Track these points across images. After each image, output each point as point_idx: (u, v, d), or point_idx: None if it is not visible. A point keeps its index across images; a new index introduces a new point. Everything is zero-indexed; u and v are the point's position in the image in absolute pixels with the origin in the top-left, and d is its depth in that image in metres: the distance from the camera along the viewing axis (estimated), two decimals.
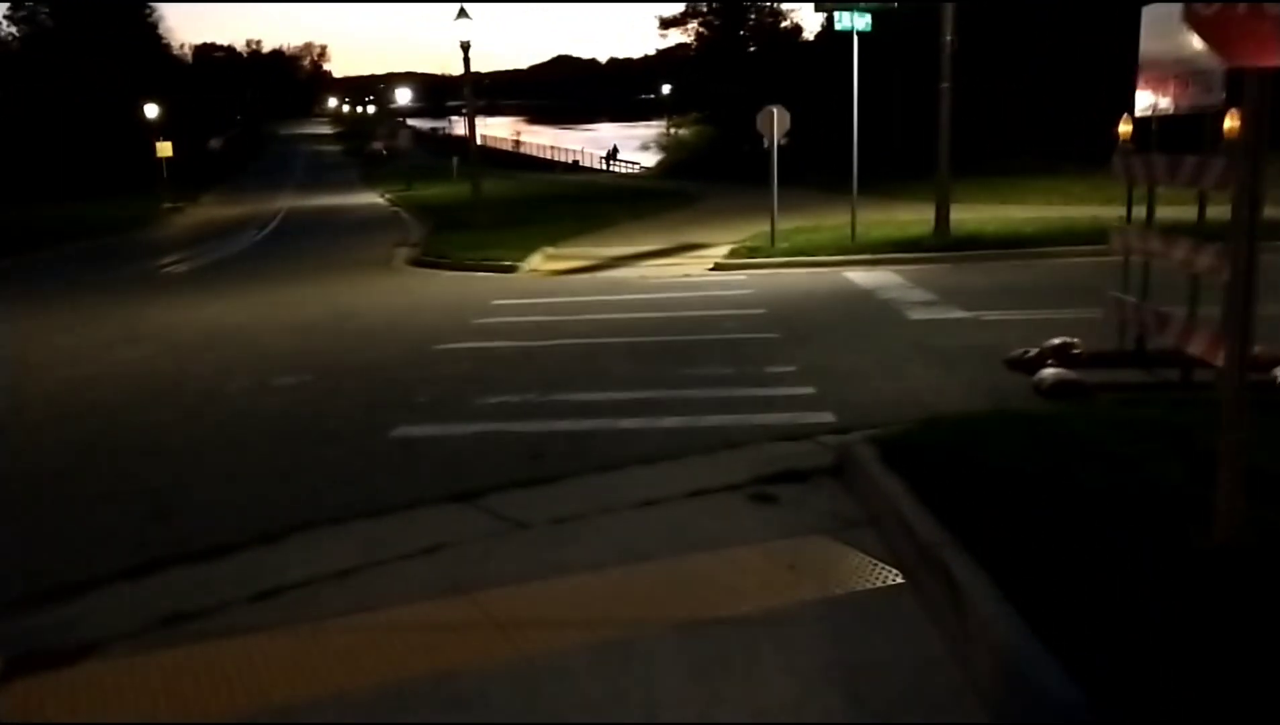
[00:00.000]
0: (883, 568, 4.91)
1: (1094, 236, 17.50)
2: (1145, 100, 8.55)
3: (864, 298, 13.93)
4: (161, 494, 6.73)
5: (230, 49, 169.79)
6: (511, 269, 19.02)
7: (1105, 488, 5.09)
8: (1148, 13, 8.45)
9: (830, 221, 22.40)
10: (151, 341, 13.10)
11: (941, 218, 18.24)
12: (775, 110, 18.38)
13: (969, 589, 4.19)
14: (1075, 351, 9.06)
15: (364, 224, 34.52)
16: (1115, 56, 33.39)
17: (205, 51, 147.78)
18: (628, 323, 12.67)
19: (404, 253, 23.34)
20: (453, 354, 11.18)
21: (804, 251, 18.19)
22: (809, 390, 8.61)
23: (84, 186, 56.16)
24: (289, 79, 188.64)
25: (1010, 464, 5.62)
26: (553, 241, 22.53)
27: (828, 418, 7.67)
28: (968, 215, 19.13)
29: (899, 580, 4.77)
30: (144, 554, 5.42)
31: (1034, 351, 9.19)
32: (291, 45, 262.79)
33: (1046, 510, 4.88)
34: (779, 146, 18.67)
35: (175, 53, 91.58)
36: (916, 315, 12.30)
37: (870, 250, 17.79)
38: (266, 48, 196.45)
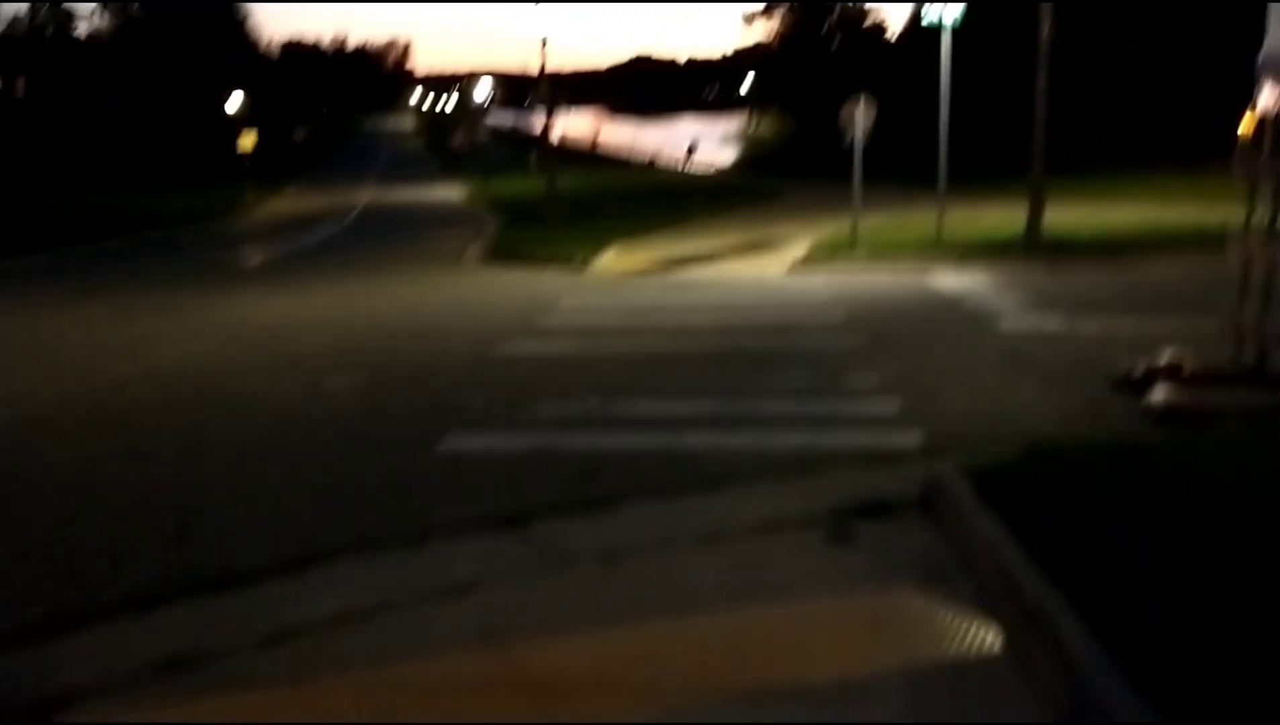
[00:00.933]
0: (980, 628, 4.23)
1: (1198, 242, 16.49)
2: (1270, 98, 7.74)
3: (950, 303, 13.12)
4: (187, 511, 6.26)
5: (316, 45, 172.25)
6: (582, 266, 18.50)
7: (1245, 541, 4.35)
8: (1275, 9, 7.69)
9: (914, 221, 21.49)
10: (210, 337, 12.80)
11: (1034, 219, 17.28)
12: (858, 102, 17.58)
13: (1086, 667, 3.52)
14: (1188, 370, 8.23)
15: (439, 218, 34.32)
16: (1218, 53, 31.88)
17: (292, 47, 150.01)
18: (698, 326, 12.05)
19: (476, 248, 22.96)
20: (513, 357, 10.66)
21: (886, 252, 17.37)
22: (893, 407, 7.91)
23: (169, 178, 57.12)
24: (374, 74, 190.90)
25: (1126, 507, 4.88)
26: (626, 238, 21.95)
27: (914, 440, 6.96)
28: (1061, 217, 18.13)
29: (999, 647, 4.09)
30: (156, 582, 4.94)
31: (1142, 370, 8.37)
32: (376, 41, 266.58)
33: (1177, 570, 4.16)
34: (862, 143, 17.89)
35: (262, 49, 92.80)
36: (1008, 324, 11.48)
37: (957, 252, 16.91)
38: (351, 44, 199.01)
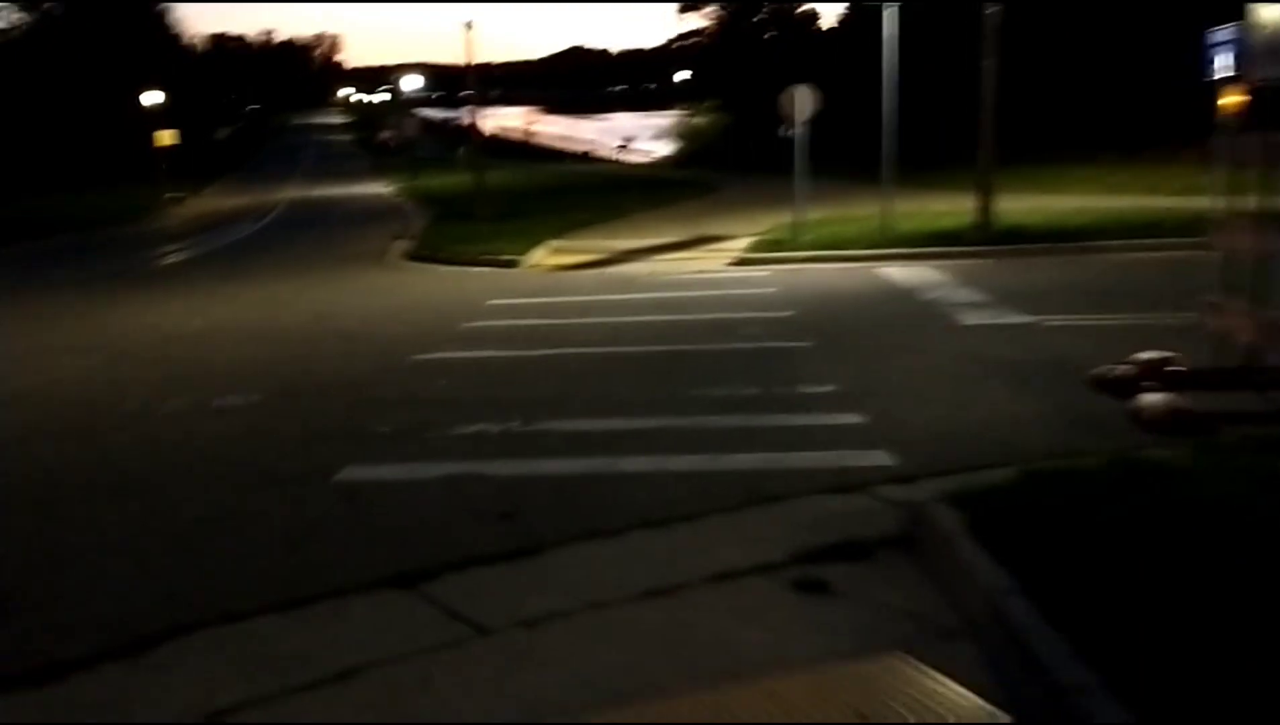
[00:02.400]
0: (993, 715, 3.36)
1: (1148, 230, 15.95)
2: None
3: (904, 298, 12.34)
4: (17, 574, 5.18)
5: (242, 39, 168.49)
6: (511, 264, 17.48)
7: None
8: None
9: (858, 212, 20.76)
10: (101, 350, 11.59)
11: (984, 208, 16.59)
12: (799, 90, 16.78)
13: None
14: (1174, 368, 7.47)
15: (365, 215, 33.03)
16: (1154, 43, 31.63)
17: (218, 42, 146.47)
18: (635, 328, 11.13)
19: (401, 246, 21.82)
20: (432, 366, 9.65)
21: (832, 245, 16.58)
22: (855, 418, 7.03)
23: (86, 178, 54.90)
24: (302, 69, 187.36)
25: (1147, 548, 4.06)
26: (559, 234, 20.97)
27: (884, 459, 6.08)
28: (1007, 206, 17.45)
29: None
30: None
31: (1124, 369, 7.60)
32: (304, 36, 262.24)
33: (1228, 636, 3.33)
34: (804, 132, 17.07)
35: (186, 43, 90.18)
36: (969, 319, 10.71)
37: (905, 243, 16.17)
38: (279, 38, 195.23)
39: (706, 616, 4.11)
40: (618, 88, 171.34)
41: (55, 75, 61.26)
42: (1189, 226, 15.96)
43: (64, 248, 28.30)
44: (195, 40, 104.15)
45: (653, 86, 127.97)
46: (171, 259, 23.69)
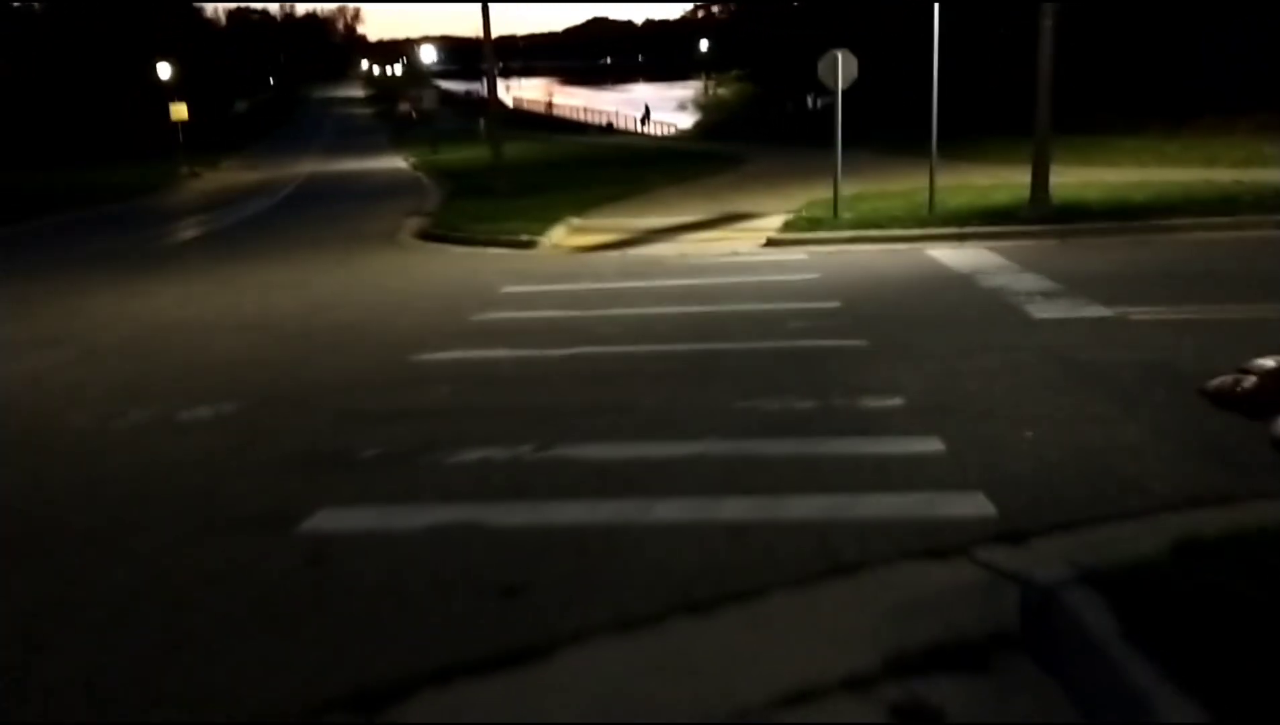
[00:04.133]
0: None
1: (1223, 206, 14.61)
2: None
3: (962, 285, 11.08)
4: None
5: (264, 13, 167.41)
6: (530, 244, 16.29)
7: None
8: None
9: (896, 186, 19.48)
10: (72, 343, 10.48)
11: (1040, 183, 15.23)
12: (840, 53, 15.44)
13: None
14: None
15: (381, 190, 31.88)
16: (1202, 11, 29.91)
17: (239, 15, 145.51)
18: (664, 322, 9.93)
19: (414, 224, 20.64)
20: (435, 369, 8.49)
21: (873, 223, 15.27)
22: (935, 444, 5.82)
23: (104, 152, 54.10)
24: (323, 42, 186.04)
25: None
26: (580, 211, 19.75)
27: (981, 506, 4.88)
28: (1057, 179, 16.08)
29: None
30: None
31: (1250, 380, 6.38)
32: (326, 9, 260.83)
33: None
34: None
35: (208, 16, 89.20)
36: (1041, 312, 9.46)
37: (954, 222, 14.84)
38: (300, 11, 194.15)
39: None
40: (639, 58, 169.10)
41: (71, 47, 60.34)
42: (1269, 203, 14.67)
43: (69, 224, 27.25)
44: (218, 13, 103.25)
45: (676, 57, 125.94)
46: (177, 237, 22.61)
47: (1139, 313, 9.14)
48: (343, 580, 4.51)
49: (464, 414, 7.04)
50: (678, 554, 4.52)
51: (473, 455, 6.04)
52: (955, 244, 13.82)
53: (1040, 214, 14.80)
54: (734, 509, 5.02)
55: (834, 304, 10.29)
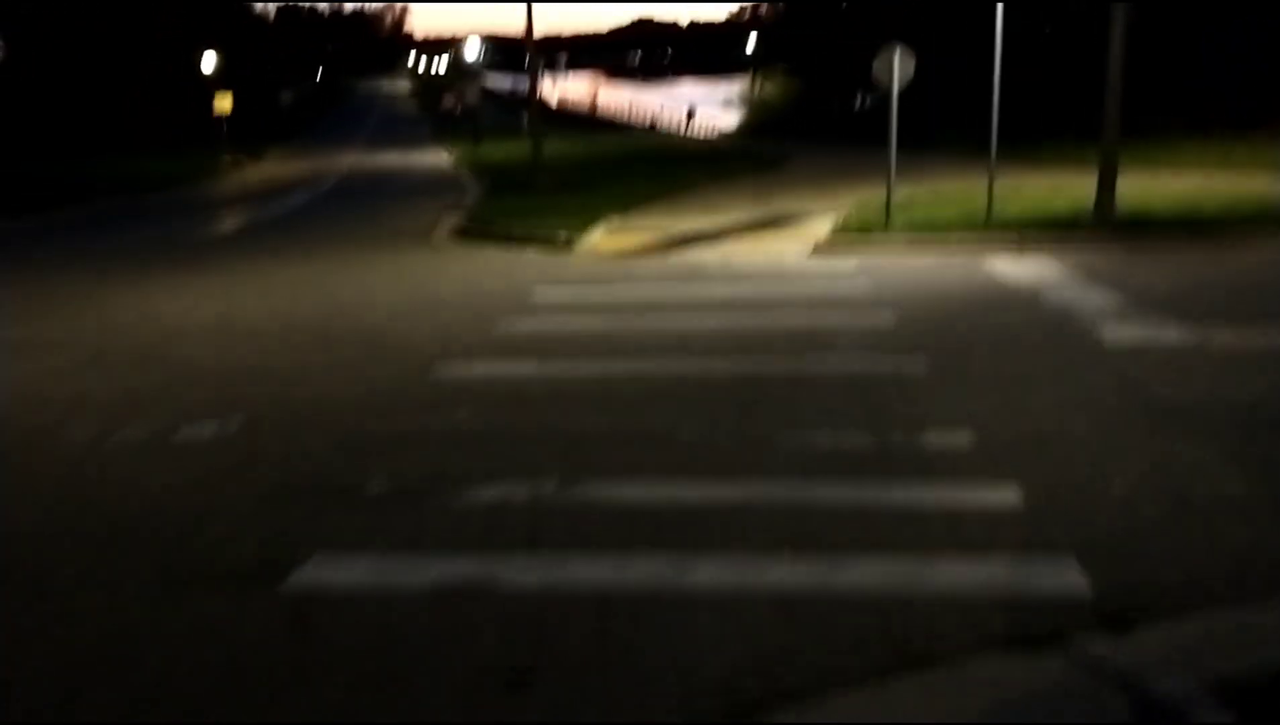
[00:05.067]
0: None
1: None
2: None
3: (1025, 301, 10.32)
4: None
5: (312, 10, 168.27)
6: (567, 245, 15.67)
7: None
8: None
9: (948, 189, 18.66)
10: (81, 347, 9.94)
11: (1106, 191, 14.39)
12: (897, 50, 14.70)
13: None
14: None
15: (421, 186, 31.46)
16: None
17: (289, 10, 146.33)
18: (705, 336, 9.26)
19: (450, 222, 20.11)
20: (456, 386, 7.88)
21: (928, 230, 14.49)
22: (1011, 495, 5.11)
23: (149, 140, 54.18)
24: (371, 37, 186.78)
25: None
26: (620, 211, 19.10)
27: (1074, 580, 4.16)
28: (1119, 185, 15.19)
29: None
30: None
31: None
32: (373, 7, 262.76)
33: None
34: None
35: (257, 10, 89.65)
36: (1115, 334, 8.69)
37: (1013, 230, 14.02)
38: (349, 8, 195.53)
39: None
40: (685, 57, 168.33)
41: (121, 37, 60.53)
42: None
43: (104, 213, 27.01)
44: (266, 10, 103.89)
45: (720, 55, 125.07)
46: (209, 231, 22.20)
47: (1222, 337, 8.37)
48: (324, 654, 3.88)
49: (483, 440, 6.41)
50: (717, 635, 3.86)
51: (488, 493, 5.41)
52: (1015, 254, 13.03)
53: (1106, 223, 13.98)
54: (782, 575, 4.34)
55: (887, 320, 9.58)
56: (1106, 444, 5.90)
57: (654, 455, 5.99)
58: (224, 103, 44.81)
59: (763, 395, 7.22)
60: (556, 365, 8.32)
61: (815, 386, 7.40)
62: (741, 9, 66.83)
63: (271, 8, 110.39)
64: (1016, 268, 12.12)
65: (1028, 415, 6.49)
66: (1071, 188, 17.13)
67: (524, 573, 4.44)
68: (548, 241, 15.92)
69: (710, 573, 4.38)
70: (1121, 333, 8.74)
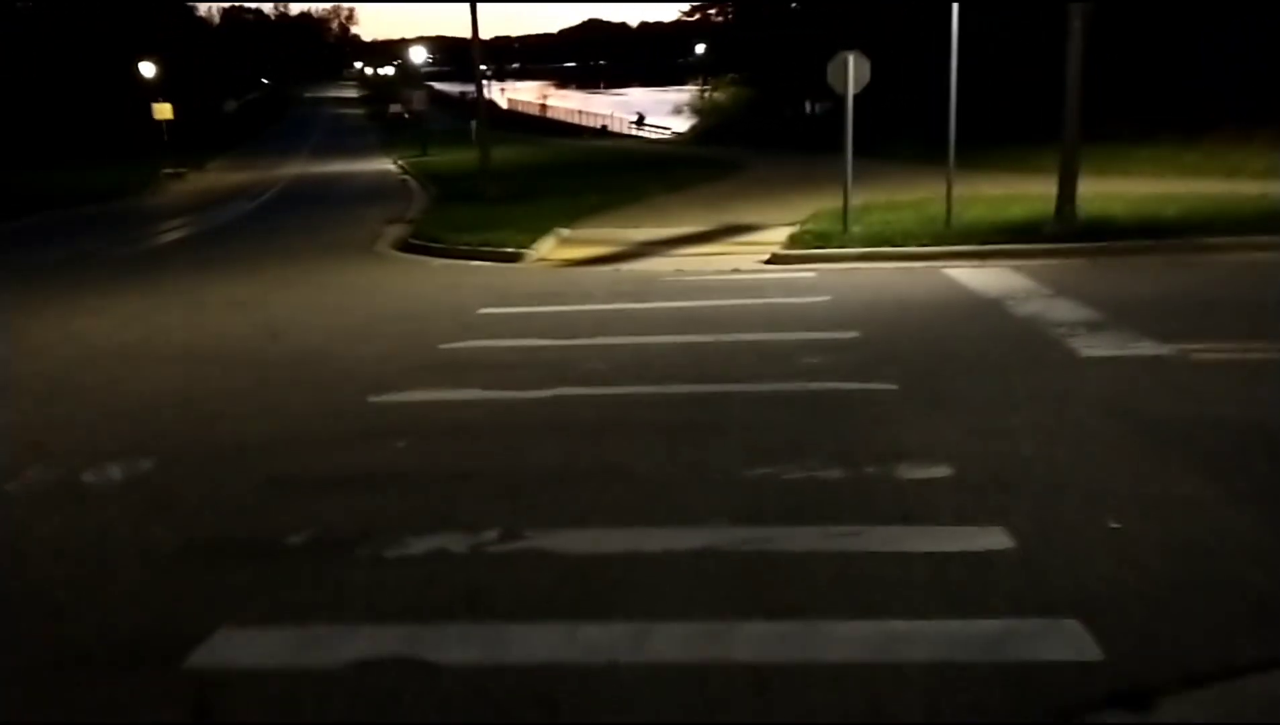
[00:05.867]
0: None
1: (1260, 223, 13.48)
2: None
3: (991, 312, 9.93)
4: None
5: (258, 12, 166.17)
6: (515, 257, 15.14)
7: None
8: None
9: (905, 197, 18.33)
10: None
11: (1066, 197, 14.09)
12: (852, 56, 14.32)
13: None
14: None
15: (365, 194, 30.73)
16: (1212, 12, 28.65)
17: (233, 15, 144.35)
18: (662, 354, 8.76)
19: (394, 232, 19.49)
20: (391, 415, 7.31)
21: (886, 239, 14.09)
22: (1000, 540, 4.64)
23: (88, 151, 52.91)
24: (317, 42, 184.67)
25: None
26: (570, 219, 18.59)
27: (1078, 642, 3.70)
28: (1082, 191, 14.89)
29: None
30: None
31: None
32: (319, 9, 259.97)
33: None
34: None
35: (201, 15, 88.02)
36: (1088, 348, 8.30)
37: (974, 238, 13.65)
38: (294, 11, 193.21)
39: None
40: (634, 64, 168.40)
41: (59, 45, 59.06)
42: None
43: (38, 227, 26.06)
44: (211, 12, 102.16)
45: (670, 62, 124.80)
46: (143, 245, 21.38)
47: (1201, 351, 8.00)
48: None
49: (419, 480, 5.85)
50: (681, 713, 3.35)
51: (423, 544, 4.86)
52: (976, 262, 12.69)
53: (1067, 230, 13.67)
54: (752, 640, 3.84)
55: (851, 334, 9.14)
56: (1095, 475, 5.46)
57: (608, 495, 5.46)
58: (163, 111, 43.72)
59: (723, 422, 6.72)
60: (500, 391, 7.77)
61: (780, 410, 6.92)
62: (692, 8, 66.15)
63: (216, 10, 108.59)
64: (979, 276, 11.76)
65: (1007, 441, 6.05)
66: (1028, 193, 16.92)
67: (459, 648, 3.90)
68: (495, 253, 15.36)
69: (670, 641, 3.87)
70: (1094, 346, 8.37)
